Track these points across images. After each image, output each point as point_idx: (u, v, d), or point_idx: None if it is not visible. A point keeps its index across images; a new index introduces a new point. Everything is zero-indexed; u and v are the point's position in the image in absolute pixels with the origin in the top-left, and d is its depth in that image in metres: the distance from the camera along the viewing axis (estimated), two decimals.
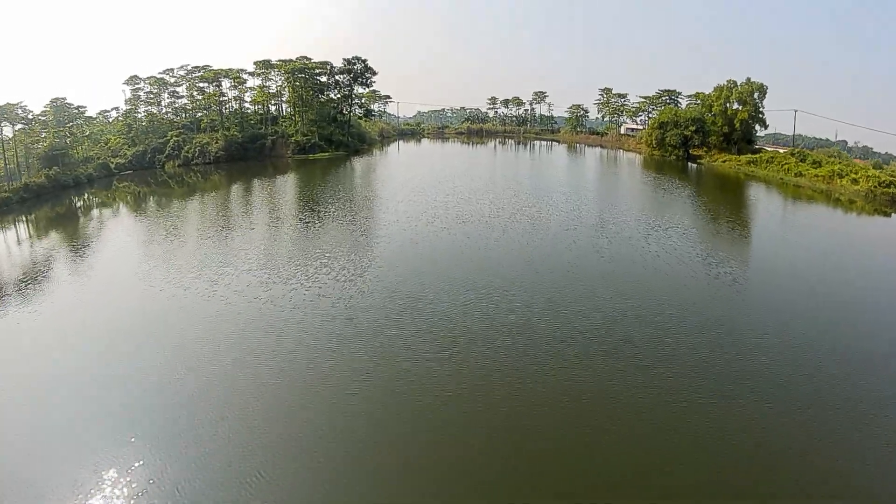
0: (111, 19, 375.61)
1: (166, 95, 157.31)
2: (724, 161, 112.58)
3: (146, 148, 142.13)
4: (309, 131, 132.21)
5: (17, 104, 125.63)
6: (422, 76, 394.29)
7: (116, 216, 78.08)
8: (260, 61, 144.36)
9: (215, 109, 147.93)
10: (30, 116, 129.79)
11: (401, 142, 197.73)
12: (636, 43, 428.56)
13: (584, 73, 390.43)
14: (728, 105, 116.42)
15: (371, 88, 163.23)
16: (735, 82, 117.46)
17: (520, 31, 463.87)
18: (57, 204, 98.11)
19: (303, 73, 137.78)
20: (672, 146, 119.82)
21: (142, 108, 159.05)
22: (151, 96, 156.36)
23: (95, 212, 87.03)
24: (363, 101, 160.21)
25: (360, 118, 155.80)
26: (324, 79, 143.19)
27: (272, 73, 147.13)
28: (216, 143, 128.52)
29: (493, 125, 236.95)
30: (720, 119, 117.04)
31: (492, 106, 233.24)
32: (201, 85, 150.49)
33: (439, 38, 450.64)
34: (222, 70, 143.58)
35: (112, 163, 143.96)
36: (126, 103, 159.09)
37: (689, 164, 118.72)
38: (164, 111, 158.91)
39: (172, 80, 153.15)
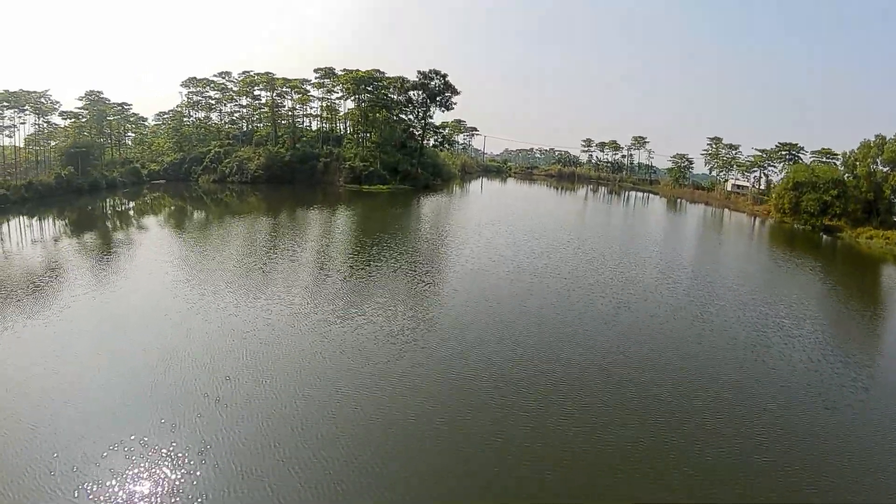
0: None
1: (218, 99, 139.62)
2: (870, 237, 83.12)
3: (185, 157, 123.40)
4: (370, 156, 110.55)
5: (41, 93, 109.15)
6: (510, 111, 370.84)
7: (113, 238, 60.12)
8: (322, 69, 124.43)
9: (269, 122, 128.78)
10: (58, 108, 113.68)
11: (484, 179, 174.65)
12: (747, 89, 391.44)
13: (688, 119, 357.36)
14: (874, 167, 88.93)
15: (451, 113, 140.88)
16: (884, 138, 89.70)
17: (617, 68, 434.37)
18: (57, 210, 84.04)
19: (370, 87, 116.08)
20: (808, 213, 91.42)
21: (196, 114, 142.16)
22: (210, 101, 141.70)
23: (91, 227, 70.02)
24: (445, 128, 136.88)
25: (436, 146, 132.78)
26: (395, 96, 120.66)
27: (334, 84, 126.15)
28: (258, 158, 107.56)
29: (586, 169, 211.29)
30: (864, 183, 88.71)
31: (586, 149, 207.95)
32: (259, 93, 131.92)
33: (529, 71, 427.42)
34: (283, 79, 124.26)
35: (146, 169, 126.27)
36: (182, 107, 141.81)
37: (825, 236, 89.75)
38: (216, 119, 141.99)
39: (227, 84, 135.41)
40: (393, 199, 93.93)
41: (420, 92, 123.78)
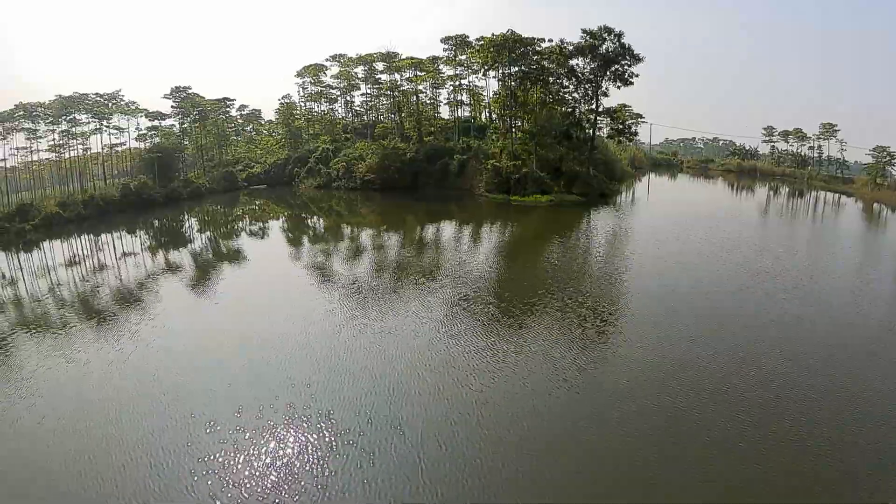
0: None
1: (333, 87, 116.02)
2: None
3: (289, 157, 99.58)
4: (523, 151, 78.39)
5: (111, 94, 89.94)
6: (669, 91, 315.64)
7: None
8: (452, 37, 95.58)
9: (393, 110, 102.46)
10: (133, 107, 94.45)
11: (652, 175, 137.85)
12: None
13: (890, 101, 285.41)
14: None
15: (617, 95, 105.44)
16: None
17: (801, 40, 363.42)
18: (113, 228, 72.91)
19: (517, 54, 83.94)
20: None
21: (311, 104, 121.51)
22: (330, 89, 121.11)
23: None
24: (616, 112, 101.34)
25: (612, 137, 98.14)
26: (552, 66, 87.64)
27: (470, 58, 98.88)
28: (370, 156, 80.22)
29: (768, 164, 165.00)
30: None
31: (767, 138, 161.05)
32: (381, 76, 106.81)
33: (695, 34, 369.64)
34: (409, 59, 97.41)
35: (247, 171, 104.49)
36: (301, 98, 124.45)
37: None
38: (339, 111, 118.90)
39: (339, 68, 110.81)
40: (562, 223, 61.36)
41: (587, 59, 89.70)
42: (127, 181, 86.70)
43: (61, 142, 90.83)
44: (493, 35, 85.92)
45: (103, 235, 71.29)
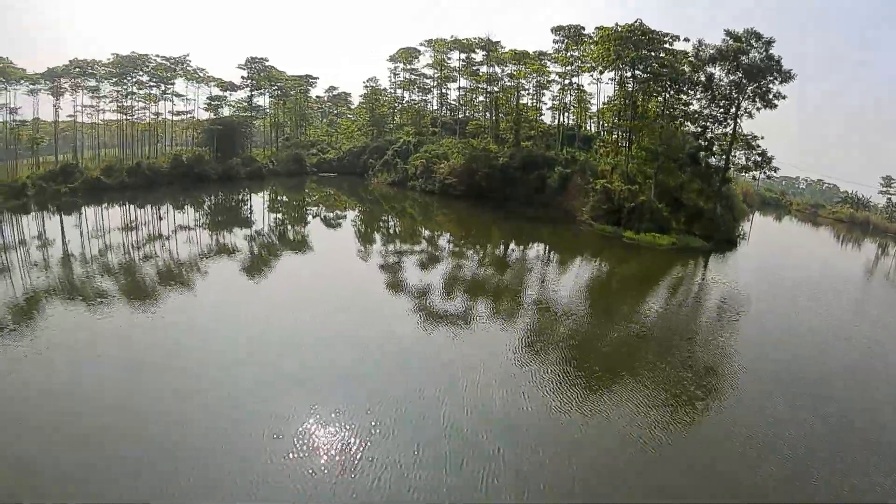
0: None
1: (428, 75, 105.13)
2: None
3: (366, 146, 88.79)
4: (639, 172, 64.02)
5: (178, 58, 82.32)
6: (774, 123, 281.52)
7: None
8: (564, 27, 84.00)
9: (489, 107, 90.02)
10: (202, 74, 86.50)
11: (756, 214, 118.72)
12: None
13: None
14: None
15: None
16: None
17: None
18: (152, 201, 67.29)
19: (640, 51, 69.24)
20: None
21: (401, 92, 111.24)
22: (425, 79, 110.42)
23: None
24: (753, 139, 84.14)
25: (745, 169, 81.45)
26: (686, 70, 72.18)
27: (582, 55, 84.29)
28: (455, 156, 67.95)
29: (881, 218, 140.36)
30: None
31: (885, 189, 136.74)
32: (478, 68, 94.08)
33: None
34: (512, 51, 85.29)
35: (320, 156, 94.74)
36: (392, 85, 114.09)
37: None
38: (423, 101, 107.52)
39: (433, 55, 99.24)
40: (684, 277, 46.04)
41: (725, 69, 73.42)
42: (179, 152, 77.99)
43: (121, 104, 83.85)
44: (616, 26, 71.50)
45: (136, 208, 65.08)
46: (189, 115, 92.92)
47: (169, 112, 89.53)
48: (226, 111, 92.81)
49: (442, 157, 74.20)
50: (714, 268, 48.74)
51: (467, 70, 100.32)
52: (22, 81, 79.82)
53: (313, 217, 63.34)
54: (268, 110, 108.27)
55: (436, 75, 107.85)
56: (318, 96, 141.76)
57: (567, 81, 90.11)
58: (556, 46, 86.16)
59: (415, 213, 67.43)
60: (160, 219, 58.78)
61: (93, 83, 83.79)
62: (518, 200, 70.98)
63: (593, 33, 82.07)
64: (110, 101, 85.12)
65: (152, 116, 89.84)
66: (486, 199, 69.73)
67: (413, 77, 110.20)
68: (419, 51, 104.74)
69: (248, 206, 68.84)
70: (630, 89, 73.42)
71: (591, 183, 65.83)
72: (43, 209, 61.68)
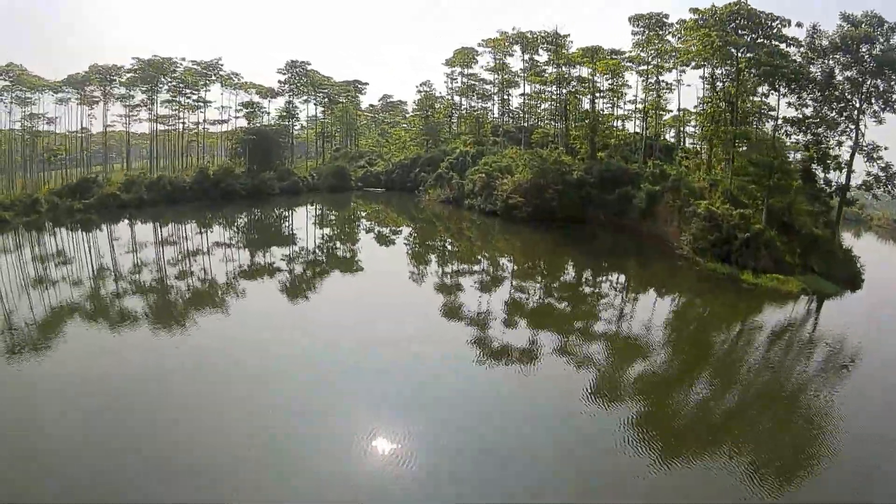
0: None
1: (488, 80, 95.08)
2: None
3: (418, 157, 79.48)
4: (748, 195, 51.87)
5: (209, 62, 75.55)
6: None
7: None
8: (643, 16, 70.69)
9: (556, 113, 79.51)
10: (237, 80, 79.59)
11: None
12: None
13: None
14: None
15: None
16: None
17: None
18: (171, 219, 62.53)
19: (746, 38, 56.55)
20: None
21: (459, 99, 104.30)
22: (485, 84, 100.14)
23: None
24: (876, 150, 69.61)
25: (866, 189, 66.48)
26: (798, 61, 58.65)
27: (662, 49, 71.70)
28: (521, 170, 57.39)
29: None
30: None
31: None
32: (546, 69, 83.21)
33: None
34: (581, 50, 74.15)
35: (367, 169, 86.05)
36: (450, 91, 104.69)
37: None
38: (483, 109, 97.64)
39: (492, 56, 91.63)
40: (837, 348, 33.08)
41: (846, 61, 59.20)
42: (205, 166, 70.27)
43: (152, 112, 77.26)
44: (713, 7, 58.92)
45: (148, 228, 60.19)
46: (225, 124, 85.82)
47: (203, 121, 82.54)
48: (266, 119, 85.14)
49: (505, 171, 63.14)
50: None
51: (532, 72, 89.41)
52: (43, 90, 74.48)
53: (352, 244, 53.90)
54: (314, 118, 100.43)
55: (496, 80, 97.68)
56: (371, 105, 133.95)
57: (649, 81, 77.75)
58: (637, 39, 74.02)
59: (472, 234, 57.13)
60: (164, 243, 50.79)
61: (122, 91, 77.88)
62: (595, 224, 59.51)
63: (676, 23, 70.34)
64: (139, 109, 78.70)
65: (192, 126, 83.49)
66: (558, 223, 58.44)
67: (471, 82, 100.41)
68: (476, 51, 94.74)
69: (275, 226, 60.12)
70: (726, 88, 60.93)
71: (691, 204, 53.79)
72: (57, 226, 58.46)
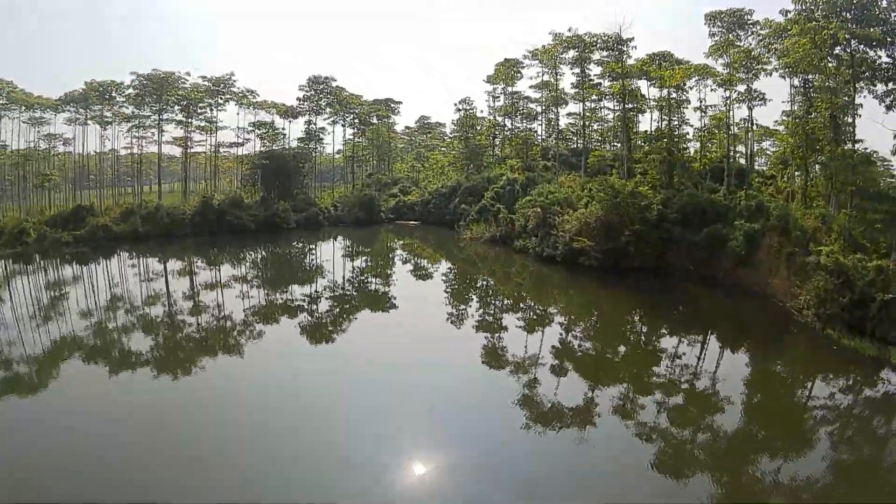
0: None
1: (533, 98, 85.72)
2: None
3: (458, 185, 69.86)
4: (861, 234, 40.64)
5: (221, 78, 68.57)
6: None
7: None
8: (722, 13, 61.03)
9: (615, 131, 70.45)
10: (252, 99, 72.16)
11: None
12: None
13: None
14: None
15: None
16: None
17: None
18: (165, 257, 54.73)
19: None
20: None
21: (503, 119, 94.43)
22: (528, 103, 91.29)
23: None
24: None
25: None
26: None
27: (749, 59, 59.38)
28: (590, 205, 46.81)
29: None
30: None
31: None
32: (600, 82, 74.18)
33: None
34: (649, 56, 63.76)
35: (392, 200, 77.02)
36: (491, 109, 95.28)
37: None
38: (529, 130, 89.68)
39: (539, 70, 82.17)
40: None
41: None
42: (209, 195, 61.78)
43: (160, 134, 69.86)
44: None
45: (134, 269, 52.71)
46: (241, 147, 77.81)
47: (217, 144, 74.73)
48: (286, 142, 76.65)
49: (565, 204, 52.35)
50: None
51: (586, 84, 78.74)
52: (43, 108, 67.85)
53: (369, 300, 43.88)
54: (345, 140, 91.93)
55: (543, 96, 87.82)
56: (407, 127, 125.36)
57: (731, 93, 65.94)
58: (715, 41, 62.58)
59: (525, 281, 46.48)
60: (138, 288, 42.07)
61: (133, 110, 70.84)
62: (678, 272, 48.10)
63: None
64: (151, 130, 71.62)
65: (210, 148, 75.95)
66: (629, 272, 47.28)
67: (514, 101, 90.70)
68: (522, 63, 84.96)
69: (287, 267, 50.58)
70: (829, 99, 49.25)
71: (807, 251, 42.34)
72: (45, 259, 53.94)
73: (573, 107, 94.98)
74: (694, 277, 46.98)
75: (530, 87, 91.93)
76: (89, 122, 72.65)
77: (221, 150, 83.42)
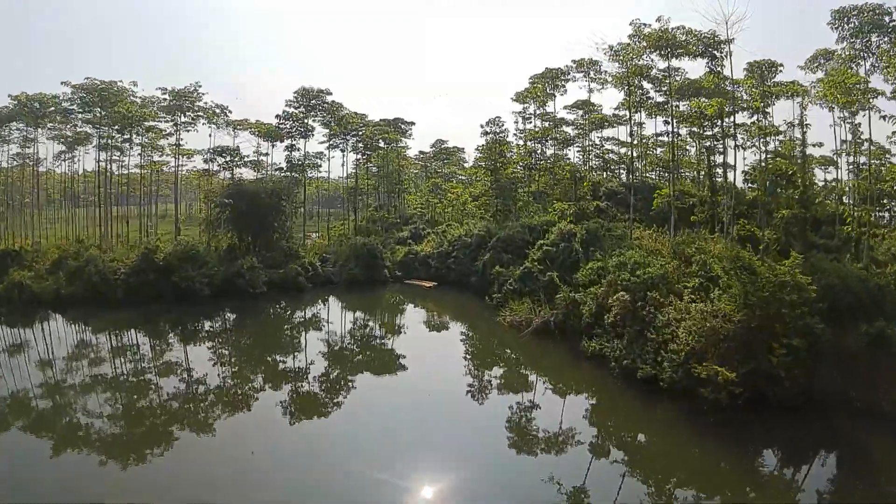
0: None
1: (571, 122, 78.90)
2: None
3: (487, 233, 53.01)
4: None
5: (182, 90, 56.93)
6: None
7: None
8: (853, 9, 43.55)
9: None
10: (224, 118, 59.14)
11: None
12: None
13: None
14: None
15: None
16: None
17: None
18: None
19: None
20: None
21: (538, 146, 79.81)
22: (564, 126, 79.38)
23: None
24: None
25: None
26: None
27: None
28: (722, 300, 27.94)
29: None
30: None
31: None
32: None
33: None
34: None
35: (402, 250, 61.03)
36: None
37: None
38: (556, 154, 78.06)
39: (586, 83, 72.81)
40: None
41: None
42: (153, 247, 45.73)
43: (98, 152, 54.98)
44: None
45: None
46: (214, 176, 62.23)
47: (176, 167, 59.91)
48: (270, 170, 60.57)
49: (659, 283, 34.74)
50: None
51: (646, 105, 64.85)
52: None
53: None
54: (345, 167, 76.34)
55: (586, 118, 73.11)
56: (421, 152, 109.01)
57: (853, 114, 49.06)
58: (844, 47, 45.87)
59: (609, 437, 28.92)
60: None
61: (87, 128, 57.26)
62: (831, 409, 29.77)
63: None
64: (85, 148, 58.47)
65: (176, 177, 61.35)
66: (764, 404, 28.88)
67: (552, 122, 75.49)
68: (566, 74, 69.70)
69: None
70: None
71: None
72: None
73: (611, 131, 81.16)
74: (856, 411, 28.84)
75: (565, 107, 77.71)
76: (46, 140, 63.95)
77: (193, 179, 69.08)
